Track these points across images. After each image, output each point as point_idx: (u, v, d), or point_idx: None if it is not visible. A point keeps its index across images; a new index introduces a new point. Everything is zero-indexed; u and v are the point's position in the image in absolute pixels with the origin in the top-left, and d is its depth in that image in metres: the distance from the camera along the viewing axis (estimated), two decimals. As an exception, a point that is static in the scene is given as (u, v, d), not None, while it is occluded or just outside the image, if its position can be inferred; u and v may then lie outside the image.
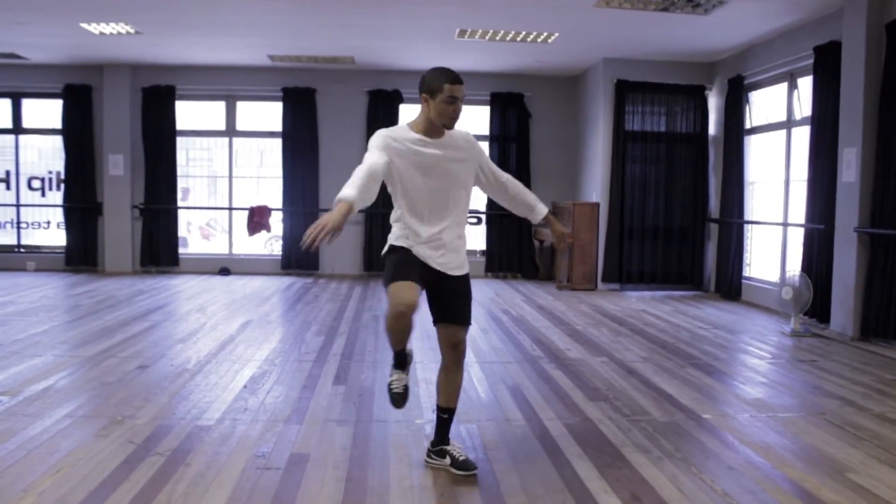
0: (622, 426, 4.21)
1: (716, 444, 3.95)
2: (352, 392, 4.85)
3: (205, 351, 6.01)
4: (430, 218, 3.37)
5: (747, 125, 9.53)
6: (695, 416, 4.47)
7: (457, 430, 4.08)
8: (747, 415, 4.51)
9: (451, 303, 3.45)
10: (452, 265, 3.42)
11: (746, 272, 9.61)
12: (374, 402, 4.61)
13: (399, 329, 3.32)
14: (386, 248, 3.48)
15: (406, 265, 3.32)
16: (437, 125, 3.34)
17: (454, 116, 3.32)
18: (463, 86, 3.31)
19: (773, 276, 9.01)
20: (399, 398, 3.54)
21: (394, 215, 3.45)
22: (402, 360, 3.57)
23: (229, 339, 6.50)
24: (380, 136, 3.35)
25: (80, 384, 4.94)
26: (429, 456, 3.56)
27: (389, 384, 3.56)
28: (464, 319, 3.49)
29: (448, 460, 3.47)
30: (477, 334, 6.95)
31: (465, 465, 3.42)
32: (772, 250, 9.21)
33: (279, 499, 3.15)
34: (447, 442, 3.53)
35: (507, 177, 3.70)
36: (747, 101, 9.53)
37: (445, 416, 3.53)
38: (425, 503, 3.13)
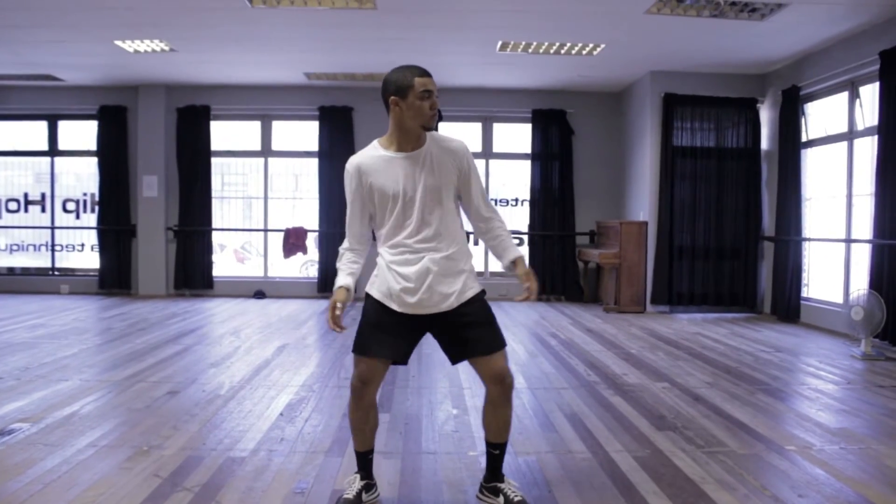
0: (698, 459, 3.78)
1: (808, 480, 3.50)
2: (397, 420, 4.48)
3: (238, 376, 5.68)
4: (409, 244, 2.99)
5: (803, 138, 9.06)
6: (776, 447, 4.02)
7: (515, 463, 3.70)
8: (837, 447, 4.06)
9: (467, 337, 2.98)
10: (442, 296, 2.96)
11: (805, 292, 9.09)
12: (422, 432, 4.23)
13: (354, 410, 3.03)
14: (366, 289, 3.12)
15: (373, 328, 3.01)
16: (414, 131, 2.94)
17: (433, 114, 2.92)
18: (433, 79, 2.92)
19: (835, 296, 8.50)
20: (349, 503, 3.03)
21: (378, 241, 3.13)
22: (363, 463, 3.14)
23: (264, 364, 6.16)
24: (349, 171, 3.05)
25: (105, 411, 4.62)
26: (481, 492, 3.17)
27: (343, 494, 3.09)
28: (493, 345, 2.98)
29: (501, 500, 3.06)
30: (525, 358, 6.56)
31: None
32: (831, 269, 8.70)
33: (321, 542, 2.78)
34: (501, 479, 3.12)
35: (494, 215, 3.20)
36: (803, 112, 9.07)
37: (496, 451, 3.10)
38: (487, 549, 2.73)
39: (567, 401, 5.01)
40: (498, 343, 2.99)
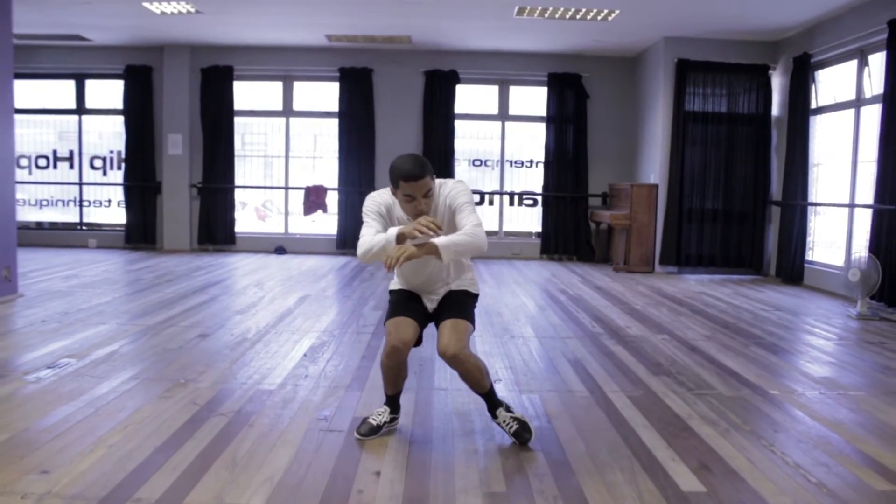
0: (687, 399, 4.12)
1: (785, 419, 3.84)
2: (412, 362, 4.81)
3: (263, 322, 6.06)
4: (414, 270, 3.38)
5: (813, 105, 9.26)
6: (761, 391, 4.35)
7: (519, 399, 4.05)
8: (816, 392, 4.38)
9: (443, 308, 3.37)
10: (441, 294, 3.43)
11: (809, 256, 9.36)
12: (435, 372, 4.58)
13: (392, 366, 3.31)
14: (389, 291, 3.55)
15: (404, 302, 3.37)
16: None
17: (417, 214, 3.12)
18: (424, 180, 3.05)
19: (838, 259, 8.76)
20: (368, 429, 3.41)
21: None
22: (392, 404, 3.50)
23: (287, 312, 6.54)
24: (378, 202, 3.27)
25: (143, 350, 5.01)
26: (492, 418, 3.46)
27: (368, 418, 3.48)
28: (454, 315, 3.29)
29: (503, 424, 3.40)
30: (535, 311, 6.91)
31: (517, 439, 3.35)
32: (836, 233, 8.95)
33: (343, 458, 3.14)
34: (494, 412, 3.42)
35: (468, 224, 3.16)
36: (813, 80, 9.25)
37: (480, 397, 3.45)
38: (490, 467, 3.09)
39: (571, 348, 5.35)
40: (460, 315, 3.29)
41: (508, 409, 3.41)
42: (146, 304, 6.82)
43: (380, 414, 3.46)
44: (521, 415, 3.45)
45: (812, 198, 9.26)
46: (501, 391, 4.19)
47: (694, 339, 5.81)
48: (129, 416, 3.59)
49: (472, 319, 3.36)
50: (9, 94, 6.87)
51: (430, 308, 3.41)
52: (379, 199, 3.27)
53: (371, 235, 3.14)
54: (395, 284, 3.51)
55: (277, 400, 3.94)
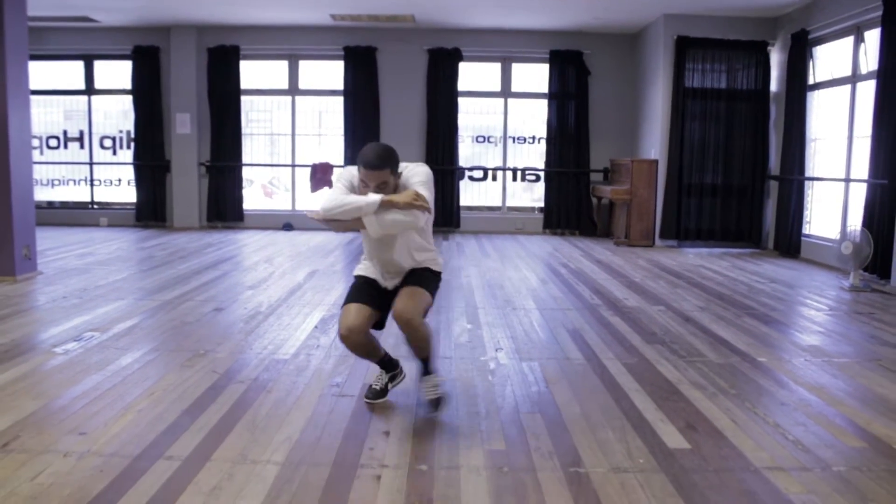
0: (678, 366, 4.36)
1: (770, 384, 4.07)
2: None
3: (275, 296, 6.30)
4: (377, 245, 3.48)
5: (810, 81, 9.41)
6: (750, 359, 4.58)
7: (519, 366, 4.30)
8: (802, 359, 4.62)
9: (407, 280, 3.50)
10: (404, 272, 3.54)
11: (806, 229, 9.56)
12: (440, 342, 4.82)
13: (352, 349, 3.44)
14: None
15: (358, 288, 3.50)
16: None
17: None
18: (380, 172, 3.25)
19: (834, 233, 8.95)
20: (373, 393, 3.66)
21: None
22: (383, 365, 3.70)
23: (297, 287, 6.78)
24: (344, 174, 3.44)
25: (161, 323, 5.26)
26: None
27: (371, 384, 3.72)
28: (413, 284, 3.44)
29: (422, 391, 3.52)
30: (536, 284, 7.14)
31: (432, 405, 3.48)
32: (833, 207, 9.14)
33: (355, 420, 3.39)
34: (423, 374, 3.52)
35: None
36: (811, 56, 9.40)
37: (419, 360, 3.54)
38: (491, 428, 3.33)
39: (570, 319, 5.59)
40: (419, 285, 3.42)
41: (437, 379, 3.50)
42: (161, 280, 7.07)
43: (379, 379, 3.70)
44: (444, 391, 3.53)
45: (809, 172, 9.45)
46: (503, 359, 4.45)
47: (689, 310, 6.05)
48: (154, 384, 3.85)
49: (431, 291, 3.50)
50: (24, 76, 7.07)
51: (390, 287, 3.51)
52: (348, 174, 3.42)
53: (342, 193, 3.31)
54: (359, 269, 3.62)
55: (292, 368, 4.19)
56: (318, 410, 3.52)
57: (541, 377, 4.10)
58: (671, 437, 3.23)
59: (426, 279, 3.50)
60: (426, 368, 3.50)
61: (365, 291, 3.47)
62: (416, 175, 3.39)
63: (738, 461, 3.00)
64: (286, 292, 6.50)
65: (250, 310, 5.75)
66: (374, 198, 3.22)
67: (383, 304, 3.48)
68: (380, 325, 3.54)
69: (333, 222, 3.34)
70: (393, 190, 3.33)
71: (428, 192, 3.34)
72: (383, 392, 3.68)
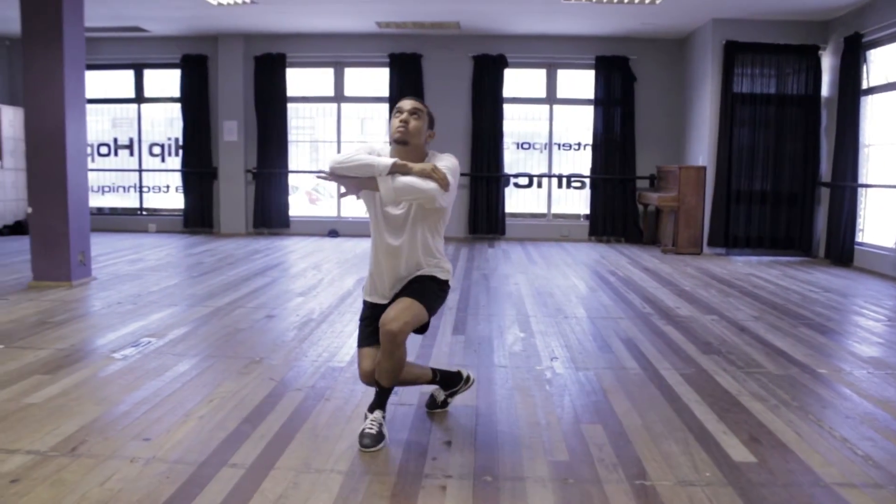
0: (737, 377, 4.29)
1: (832, 396, 3.99)
2: (471, 341, 5.07)
3: (326, 303, 6.34)
4: (383, 242, 3.27)
5: (864, 85, 9.23)
6: (810, 370, 4.50)
7: (575, 376, 4.26)
8: (864, 371, 4.51)
9: (408, 287, 3.26)
10: (408, 276, 3.30)
11: (859, 237, 9.37)
12: (494, 351, 4.81)
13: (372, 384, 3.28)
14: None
15: (365, 330, 3.33)
16: (395, 147, 3.22)
17: (401, 129, 3.17)
18: (415, 102, 3.23)
19: (889, 241, 8.78)
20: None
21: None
22: (445, 381, 3.56)
23: (347, 294, 6.81)
24: (363, 146, 3.26)
25: (215, 330, 5.31)
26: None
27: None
28: (411, 294, 3.19)
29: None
30: (585, 292, 7.10)
31: (361, 438, 3.17)
32: (887, 215, 8.95)
33: (415, 430, 3.39)
34: (372, 409, 3.26)
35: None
36: (865, 59, 9.22)
37: (378, 389, 3.27)
38: (553, 438, 3.31)
39: (623, 328, 5.54)
40: (417, 297, 3.16)
41: (383, 416, 3.25)
42: (211, 286, 7.14)
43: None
44: (385, 433, 3.22)
45: (863, 179, 9.26)
46: (559, 369, 4.41)
47: (743, 319, 5.95)
48: (212, 391, 3.88)
49: (429, 306, 3.22)
50: (81, 86, 7.21)
51: (391, 298, 3.28)
52: (372, 144, 3.30)
53: (356, 152, 3.16)
54: (365, 289, 3.43)
55: (348, 376, 4.19)
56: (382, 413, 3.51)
57: (598, 387, 4.07)
58: (736, 450, 3.18)
59: (429, 290, 3.24)
60: (382, 401, 3.25)
61: (374, 330, 3.23)
62: (444, 159, 3.24)
63: (806, 476, 2.94)
64: (336, 299, 6.53)
65: (302, 317, 5.79)
66: (387, 159, 3.10)
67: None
68: (421, 329, 3.32)
69: (345, 180, 3.16)
70: (417, 156, 3.21)
71: (452, 178, 3.16)
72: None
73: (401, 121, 3.19)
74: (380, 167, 3.07)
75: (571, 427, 3.45)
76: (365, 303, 3.41)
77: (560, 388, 4.04)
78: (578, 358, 4.68)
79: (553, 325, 5.63)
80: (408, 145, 3.19)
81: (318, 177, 3.30)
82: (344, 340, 5.03)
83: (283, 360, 4.54)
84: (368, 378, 3.26)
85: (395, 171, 3.08)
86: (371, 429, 3.16)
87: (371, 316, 3.31)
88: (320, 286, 7.24)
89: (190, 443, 3.17)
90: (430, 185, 3.08)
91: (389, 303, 3.23)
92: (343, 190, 3.26)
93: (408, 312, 3.08)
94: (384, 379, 3.19)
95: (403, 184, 3.07)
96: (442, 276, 3.32)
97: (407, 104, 3.24)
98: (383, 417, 3.23)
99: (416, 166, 3.10)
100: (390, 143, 3.26)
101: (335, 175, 3.18)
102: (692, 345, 5.07)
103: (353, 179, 3.16)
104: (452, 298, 6.61)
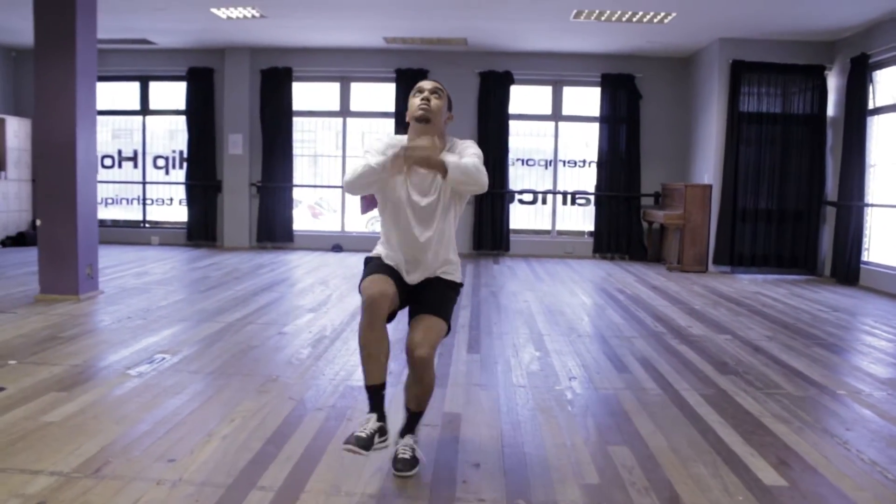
0: (758, 398, 4.28)
1: (855, 418, 3.97)
2: (487, 360, 5.05)
3: (337, 320, 6.31)
4: (409, 236, 3.11)
5: (871, 105, 9.27)
6: (829, 391, 4.48)
7: (596, 395, 4.24)
8: (884, 393, 4.50)
9: (426, 298, 3.11)
10: (429, 270, 3.16)
11: (865, 256, 9.38)
12: (511, 370, 4.78)
13: (372, 330, 2.88)
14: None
15: (382, 267, 3.10)
16: (415, 126, 3.11)
17: (424, 106, 3.07)
18: (436, 83, 3.14)
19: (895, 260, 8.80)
20: (362, 442, 2.82)
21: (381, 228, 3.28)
22: (377, 401, 2.98)
23: (358, 310, 6.78)
24: (375, 141, 3.16)
25: (229, 346, 5.28)
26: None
27: (348, 438, 2.87)
28: (434, 309, 3.06)
29: (393, 452, 3.16)
30: (595, 311, 7.08)
31: (395, 463, 3.10)
32: (892, 234, 8.97)
33: (442, 451, 3.36)
34: (402, 434, 3.19)
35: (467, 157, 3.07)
36: (871, 80, 9.26)
37: (409, 414, 3.19)
38: (581, 460, 3.28)
39: (638, 347, 5.52)
40: (439, 314, 3.05)
41: (415, 440, 3.18)
42: (220, 301, 7.11)
43: (364, 423, 2.92)
44: (420, 456, 3.16)
45: (869, 198, 9.28)
46: (578, 389, 4.39)
47: (756, 339, 5.94)
48: (232, 410, 3.85)
49: (449, 319, 3.11)
50: (92, 98, 7.20)
51: (410, 282, 3.13)
52: (388, 138, 3.17)
53: (362, 160, 3.02)
54: (377, 253, 3.22)
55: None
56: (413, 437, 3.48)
57: (620, 408, 4.05)
58: (765, 474, 3.16)
59: (447, 300, 3.15)
60: (412, 426, 3.17)
61: (390, 272, 3.06)
62: (470, 146, 3.14)
63: (840, 501, 2.92)
64: (348, 316, 6.51)
65: (315, 334, 5.76)
66: (388, 153, 2.96)
67: (403, 294, 3.08)
68: (391, 316, 3.06)
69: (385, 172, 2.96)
70: (438, 140, 3.11)
71: (480, 162, 3.05)
72: (370, 441, 2.85)
73: (422, 98, 3.10)
74: (392, 159, 2.93)
75: (598, 449, 3.42)
76: (374, 258, 3.22)
77: (582, 409, 4.02)
78: (596, 378, 4.66)
79: (567, 343, 5.61)
80: (429, 123, 3.09)
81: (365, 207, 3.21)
82: (359, 359, 5.00)
83: (300, 378, 4.51)
84: (379, 296, 2.87)
85: (402, 155, 2.90)
86: (405, 454, 3.12)
87: (384, 265, 3.12)
88: (329, 302, 7.21)
89: (215, 464, 3.14)
90: (482, 173, 3.00)
91: (408, 286, 3.10)
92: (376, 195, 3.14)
93: (432, 333, 3.00)
94: (414, 403, 3.13)
95: (465, 166, 2.95)
96: (458, 280, 3.24)
97: (427, 84, 3.16)
98: (415, 442, 3.18)
99: (420, 143, 2.96)
100: (409, 122, 3.15)
101: (367, 195, 3.13)
102: (709, 365, 5.05)
103: (388, 173, 2.97)
104: (464, 316, 6.59)
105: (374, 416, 2.94)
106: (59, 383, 4.25)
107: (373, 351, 2.92)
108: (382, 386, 2.98)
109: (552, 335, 5.86)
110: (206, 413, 3.80)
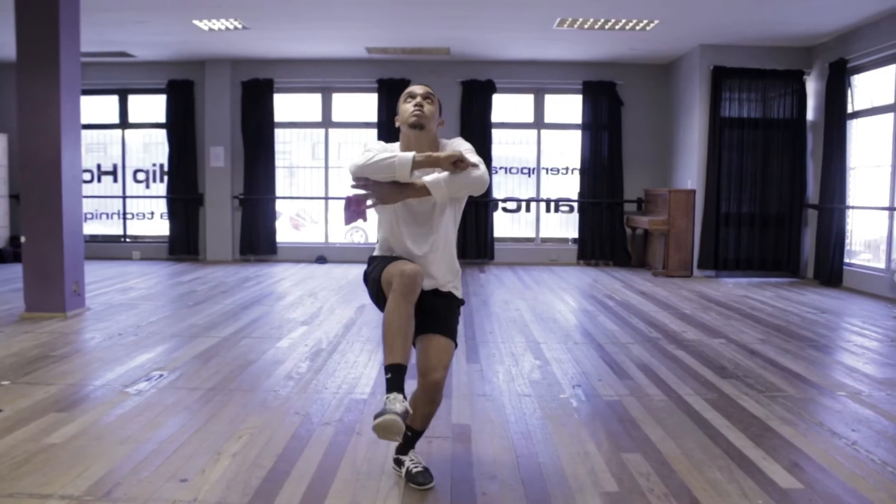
0: (761, 401, 4.30)
1: (860, 419, 4.01)
2: (487, 370, 5.03)
3: (332, 332, 6.27)
4: (413, 243, 3.04)
5: (849, 109, 9.39)
6: (829, 393, 4.52)
7: (601, 403, 4.24)
8: (883, 393, 4.55)
9: (434, 315, 3.03)
10: (438, 283, 3.09)
11: (846, 258, 9.49)
12: (513, 379, 4.78)
13: (407, 304, 2.76)
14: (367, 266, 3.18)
15: (394, 259, 2.99)
16: (408, 133, 3.06)
17: (417, 112, 3.03)
18: (428, 90, 3.12)
19: (877, 262, 8.91)
20: (387, 428, 2.62)
21: (378, 234, 3.18)
22: (399, 381, 2.72)
23: (351, 322, 6.75)
24: (376, 144, 3.07)
25: (227, 361, 5.22)
26: (394, 461, 3.27)
27: (380, 413, 2.65)
28: (446, 329, 3.02)
29: (403, 471, 3.15)
30: (589, 317, 7.10)
31: (416, 478, 3.08)
32: (872, 236, 9.10)
33: (456, 463, 3.34)
34: (406, 452, 3.19)
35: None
36: (849, 84, 9.39)
37: (411, 434, 3.14)
38: (596, 468, 3.28)
39: (635, 354, 5.54)
40: (450, 335, 3.02)
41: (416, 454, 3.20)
42: (210, 316, 7.04)
43: (393, 401, 2.67)
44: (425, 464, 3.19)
45: (850, 201, 9.40)
46: (582, 397, 4.39)
47: (750, 342, 5.99)
48: (239, 427, 3.80)
49: (456, 337, 3.08)
50: (77, 112, 7.11)
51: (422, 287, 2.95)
52: (386, 144, 3.09)
53: (376, 153, 2.96)
54: (379, 252, 3.16)
55: (373, 408, 4.12)
56: (417, 453, 3.45)
57: (626, 415, 4.05)
58: (780, 477, 3.17)
59: (455, 318, 3.09)
60: (413, 442, 3.17)
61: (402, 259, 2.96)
62: (464, 144, 3.10)
63: (856, 501, 2.94)
64: (342, 328, 6.47)
65: (311, 347, 5.72)
66: (407, 154, 2.91)
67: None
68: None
69: (377, 186, 2.95)
70: (430, 141, 3.07)
71: (480, 163, 3.01)
72: (406, 415, 2.68)
73: (415, 104, 3.05)
74: (402, 162, 2.88)
75: (611, 456, 3.42)
76: (376, 256, 3.14)
77: (589, 417, 4.02)
78: (599, 385, 4.66)
79: (565, 351, 5.61)
80: (423, 129, 3.04)
81: (352, 186, 3.05)
82: (360, 371, 4.97)
83: (303, 392, 4.47)
84: (414, 274, 2.78)
85: (418, 164, 2.90)
86: (417, 467, 3.11)
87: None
88: (321, 314, 7.16)
89: (229, 483, 3.09)
90: (474, 172, 2.94)
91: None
92: (370, 202, 3.04)
93: (445, 356, 2.97)
94: (420, 423, 3.08)
95: (452, 181, 2.92)
96: (460, 295, 3.19)
97: (419, 89, 3.11)
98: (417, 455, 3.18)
99: (443, 155, 2.93)
100: (400, 127, 3.10)
101: (363, 181, 2.99)
102: (708, 369, 5.08)
103: (384, 186, 2.95)
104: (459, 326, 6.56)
105: (399, 395, 2.67)
106: (56, 403, 4.18)
107: (403, 325, 2.75)
108: (405, 368, 2.75)
109: (549, 343, 5.86)
110: (212, 431, 3.75)
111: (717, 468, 3.27)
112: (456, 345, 3.07)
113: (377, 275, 2.96)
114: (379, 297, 3.01)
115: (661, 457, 3.41)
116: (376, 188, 2.97)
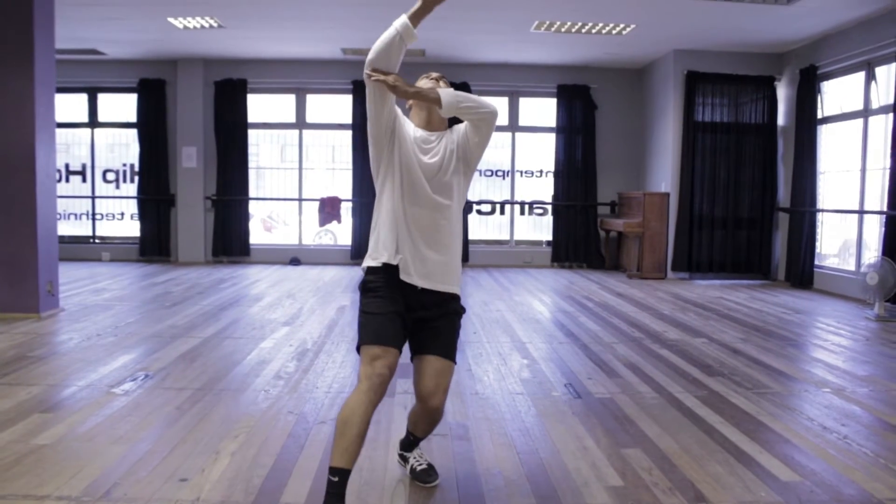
0: (750, 398, 4.36)
1: (847, 414, 4.08)
2: (477, 369, 5.03)
3: (315, 332, 6.23)
4: (416, 226, 2.82)
5: (819, 115, 9.57)
6: (814, 389, 4.60)
7: (593, 400, 4.26)
8: (866, 390, 4.63)
9: (434, 334, 2.84)
10: (438, 278, 2.82)
11: (817, 260, 9.66)
12: (504, 378, 4.79)
13: (366, 414, 2.60)
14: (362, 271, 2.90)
15: (382, 316, 2.73)
16: (426, 108, 2.95)
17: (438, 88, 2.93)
18: (435, 72, 3.10)
19: (847, 264, 9.09)
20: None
21: (375, 216, 2.93)
22: (341, 486, 2.60)
23: (333, 322, 6.71)
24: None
25: (213, 361, 5.16)
26: (399, 457, 3.26)
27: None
28: (446, 350, 2.84)
29: (408, 468, 3.15)
30: (570, 318, 7.14)
31: (420, 475, 3.08)
32: (842, 239, 9.28)
33: (460, 461, 3.33)
34: (409, 450, 3.18)
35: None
36: (819, 90, 9.57)
37: (413, 439, 3.14)
38: (597, 463, 3.29)
39: (621, 353, 5.58)
40: (451, 357, 2.85)
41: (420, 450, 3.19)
42: (189, 317, 6.95)
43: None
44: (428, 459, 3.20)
45: (820, 204, 9.57)
46: (575, 394, 4.41)
47: (731, 341, 6.06)
48: (234, 426, 3.76)
49: (456, 356, 2.89)
50: (52, 109, 6.98)
51: (417, 286, 2.77)
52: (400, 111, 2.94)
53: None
54: (373, 260, 2.82)
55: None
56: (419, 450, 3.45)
57: (620, 412, 4.07)
58: (779, 470, 3.22)
59: (454, 335, 2.88)
60: (418, 442, 3.15)
61: (393, 323, 2.73)
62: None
63: (858, 493, 2.99)
64: (324, 328, 6.43)
65: (296, 347, 5.67)
66: (401, 18, 2.78)
67: (405, 330, 2.80)
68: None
69: (386, 91, 2.81)
70: (442, 124, 2.93)
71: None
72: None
73: (433, 79, 3.02)
74: (398, 21, 2.79)
75: (611, 452, 3.44)
76: (378, 274, 2.81)
77: (584, 414, 4.03)
78: (589, 383, 4.69)
79: (550, 350, 5.64)
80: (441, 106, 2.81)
81: (372, 79, 2.84)
82: (348, 371, 4.94)
83: (294, 391, 4.43)
84: (387, 376, 2.65)
85: (417, 16, 2.83)
86: (421, 464, 3.10)
87: (389, 303, 2.75)
88: (302, 315, 7.11)
89: (230, 482, 3.05)
90: (493, 105, 2.83)
91: (413, 296, 2.79)
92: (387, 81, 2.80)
93: (444, 380, 2.81)
94: (422, 433, 3.04)
95: (461, 94, 2.81)
96: (458, 290, 2.91)
97: (433, 74, 3.09)
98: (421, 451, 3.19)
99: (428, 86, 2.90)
100: (411, 106, 3.03)
101: (379, 80, 2.81)
102: (694, 367, 5.13)
103: (399, 86, 2.79)
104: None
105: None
106: (41, 404, 4.09)
107: (362, 429, 2.59)
108: (349, 473, 2.62)
109: (534, 343, 5.88)
110: (206, 430, 3.70)
111: (717, 462, 3.31)
112: (455, 363, 2.88)
113: (360, 331, 2.76)
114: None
115: (660, 452, 3.43)
116: (395, 84, 2.80)
